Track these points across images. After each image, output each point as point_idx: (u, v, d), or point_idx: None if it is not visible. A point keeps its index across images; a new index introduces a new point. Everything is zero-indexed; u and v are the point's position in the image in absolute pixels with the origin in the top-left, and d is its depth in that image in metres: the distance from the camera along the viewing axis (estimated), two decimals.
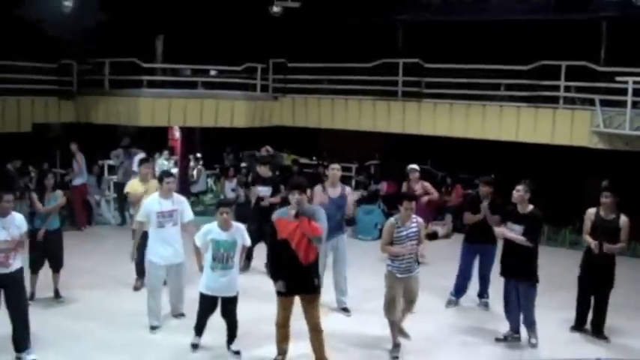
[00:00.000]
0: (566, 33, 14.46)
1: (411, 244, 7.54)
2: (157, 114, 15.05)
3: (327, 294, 8.55)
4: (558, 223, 13.96)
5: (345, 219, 9.28)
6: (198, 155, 17.07)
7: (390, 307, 7.64)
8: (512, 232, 7.97)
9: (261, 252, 9.67)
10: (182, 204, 8.29)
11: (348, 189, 9.22)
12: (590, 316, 8.52)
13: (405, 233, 7.54)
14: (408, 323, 8.04)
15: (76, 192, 13.62)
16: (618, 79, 12.34)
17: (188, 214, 8.33)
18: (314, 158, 18.84)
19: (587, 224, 8.38)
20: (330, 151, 19.19)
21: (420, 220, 7.79)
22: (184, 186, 15.89)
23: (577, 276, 8.56)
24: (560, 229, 13.94)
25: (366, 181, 16.97)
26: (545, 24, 14.85)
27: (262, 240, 10.53)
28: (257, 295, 8.58)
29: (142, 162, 10.07)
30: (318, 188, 8.99)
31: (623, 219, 8.21)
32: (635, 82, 11.93)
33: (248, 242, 7.56)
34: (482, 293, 9.54)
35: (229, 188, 14.46)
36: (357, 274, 9.50)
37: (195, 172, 16.22)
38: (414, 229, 7.60)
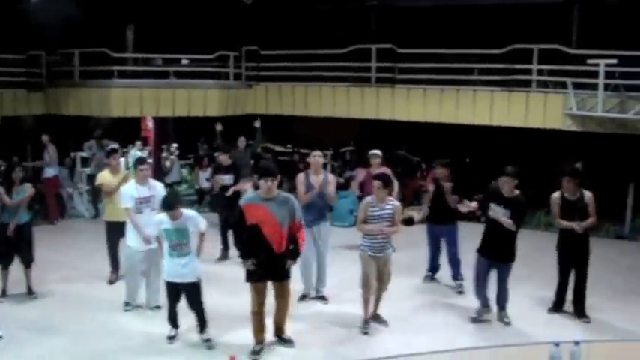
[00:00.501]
0: (539, 16, 14.50)
1: (383, 224, 7.70)
2: (128, 104, 14.88)
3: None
4: (533, 205, 14.01)
5: None
6: (174, 145, 16.89)
7: (364, 282, 7.88)
8: (494, 212, 8.06)
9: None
10: (159, 189, 8.50)
11: (330, 176, 9.18)
12: (571, 297, 8.61)
13: (378, 213, 7.75)
14: (384, 304, 8.16)
15: (48, 185, 13.46)
16: (590, 61, 12.39)
17: None
18: (288, 146, 18.77)
19: (555, 209, 8.51)
20: (305, 138, 19.14)
21: (397, 203, 7.96)
22: (158, 177, 15.71)
23: (556, 258, 8.65)
24: (535, 212, 14.02)
25: (342, 168, 16.94)
26: (517, 7, 14.84)
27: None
28: (231, 283, 8.62)
29: (109, 153, 10.03)
30: (300, 176, 8.97)
31: (588, 195, 8.38)
32: (606, 65, 12.00)
33: (203, 227, 7.51)
34: (456, 275, 9.70)
35: (204, 178, 14.42)
36: (333, 261, 9.50)
37: (168, 163, 16.03)
38: (389, 211, 7.78)
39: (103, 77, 15.26)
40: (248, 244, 7.04)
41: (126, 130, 17.53)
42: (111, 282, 9.54)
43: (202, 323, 7.52)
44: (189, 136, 18.23)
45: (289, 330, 7.58)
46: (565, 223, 8.38)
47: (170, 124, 18.41)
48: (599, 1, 14.17)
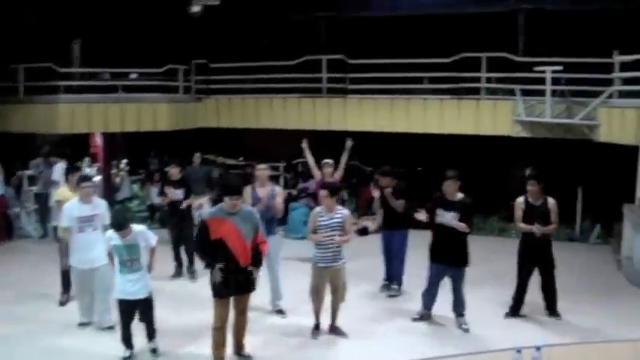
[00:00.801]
0: (486, 25, 14.72)
1: (332, 234, 7.70)
2: (76, 120, 14.51)
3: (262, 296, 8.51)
4: (486, 211, 14.20)
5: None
6: (123, 161, 16.58)
7: (313, 295, 7.96)
8: (443, 217, 8.19)
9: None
10: (102, 208, 8.33)
11: (277, 188, 9.16)
12: (530, 299, 8.76)
13: (326, 222, 7.76)
14: (342, 313, 8.14)
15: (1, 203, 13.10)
16: (536, 68, 12.61)
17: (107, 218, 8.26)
18: (241, 159, 18.62)
19: (519, 213, 8.64)
20: (258, 150, 19.01)
21: (346, 212, 7.98)
22: (108, 193, 15.42)
23: (517, 262, 8.74)
24: (488, 218, 14.18)
25: (295, 180, 16.89)
26: (464, 17, 15.08)
27: (184, 243, 10.41)
28: (185, 299, 8.78)
29: (69, 170, 9.63)
30: (247, 189, 8.87)
31: (551, 201, 8.57)
32: (552, 71, 12.23)
33: (153, 242, 7.44)
34: (394, 279, 9.81)
35: (155, 193, 14.15)
36: (286, 274, 9.42)
37: (118, 179, 15.73)
38: (338, 220, 7.79)
39: (49, 93, 14.87)
40: (213, 259, 6.92)
41: (74, 147, 17.21)
42: (61, 303, 9.21)
43: (151, 333, 7.50)
44: (139, 151, 17.96)
45: (246, 345, 7.46)
46: (525, 226, 8.51)
47: (119, 139, 18.12)
48: (543, 9, 14.44)
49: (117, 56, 15.56)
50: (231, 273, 6.90)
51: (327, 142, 16.36)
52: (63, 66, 15.14)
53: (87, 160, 16.58)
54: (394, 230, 9.70)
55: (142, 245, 7.30)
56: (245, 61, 15.55)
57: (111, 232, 7.30)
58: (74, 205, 8.20)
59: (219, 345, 7.12)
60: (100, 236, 8.04)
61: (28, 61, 14.95)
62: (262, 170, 8.95)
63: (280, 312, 8.92)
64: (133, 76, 16.64)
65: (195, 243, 7.40)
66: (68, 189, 9.28)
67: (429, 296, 8.57)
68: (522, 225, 8.58)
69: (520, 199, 8.69)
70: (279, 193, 9.02)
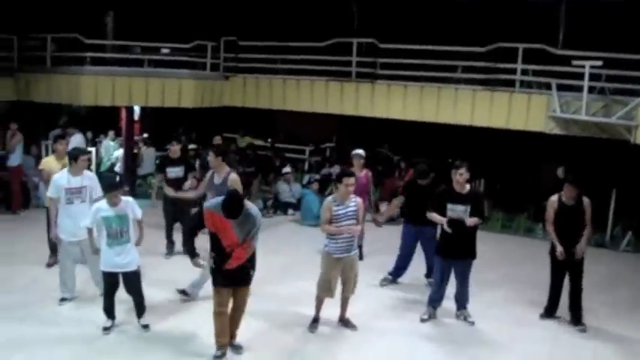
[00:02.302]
0: (525, 14, 14.03)
1: (348, 223, 7.37)
2: (100, 93, 14.31)
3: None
4: (513, 209, 13.68)
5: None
6: (144, 135, 16.42)
7: (324, 287, 7.59)
8: (454, 212, 7.83)
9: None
10: (92, 180, 8.25)
11: (233, 175, 8.51)
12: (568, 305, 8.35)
13: (342, 212, 7.41)
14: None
15: (12, 173, 13.01)
16: (575, 63, 11.96)
17: (97, 191, 8.17)
18: (269, 140, 18.34)
19: (551, 212, 8.23)
20: (288, 132, 18.76)
21: (359, 200, 7.63)
22: (131, 168, 15.29)
23: (549, 264, 8.38)
24: (515, 216, 13.65)
25: (321, 164, 16.55)
26: (503, 4, 14.37)
27: (180, 222, 10.29)
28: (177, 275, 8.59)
29: (56, 138, 9.70)
30: (208, 174, 8.67)
31: (586, 201, 8.17)
32: (591, 67, 11.58)
33: (139, 215, 7.39)
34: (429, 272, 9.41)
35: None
36: (297, 261, 9.16)
37: (142, 154, 15.57)
38: (353, 209, 7.46)
39: (76, 64, 14.72)
40: (211, 247, 6.68)
41: (104, 119, 17.16)
42: (49, 265, 9.43)
43: (141, 309, 7.47)
44: (168, 128, 17.79)
45: (241, 335, 7.16)
46: (558, 249, 8.12)
47: (147, 114, 18.00)
48: (586, 0, 13.69)
49: (147, 30, 15.36)
50: (224, 266, 6.61)
51: (357, 128, 16.09)
52: (96, 38, 14.99)
53: (111, 133, 16.50)
54: (424, 225, 9.00)
55: (131, 217, 7.28)
56: (275, 40, 15.20)
57: (100, 204, 7.27)
58: (63, 176, 8.11)
59: (219, 331, 6.85)
60: (88, 209, 7.90)
61: (61, 31, 14.87)
62: (210, 157, 8.62)
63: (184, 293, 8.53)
64: (165, 51, 16.40)
65: (189, 230, 7.11)
66: (54, 158, 9.32)
67: (439, 294, 8.23)
68: (555, 239, 8.16)
69: (554, 198, 8.25)
70: (233, 178, 8.45)
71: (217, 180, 8.52)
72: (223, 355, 6.84)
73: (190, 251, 7.10)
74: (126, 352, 7.04)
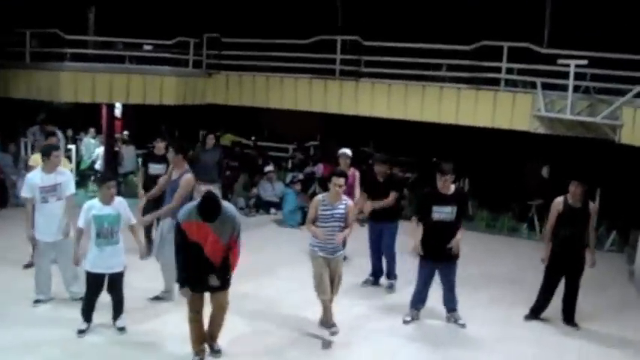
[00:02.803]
0: (510, 13, 13.93)
1: (333, 225, 7.18)
2: (80, 89, 14.06)
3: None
4: (497, 209, 13.60)
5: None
6: (125, 133, 16.19)
7: (319, 285, 7.30)
8: (440, 214, 7.70)
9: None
10: (65, 176, 8.03)
11: (187, 176, 8.18)
12: (560, 305, 8.25)
13: (330, 212, 7.22)
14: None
15: None
16: (560, 61, 11.87)
17: (70, 188, 8.04)
18: (252, 138, 18.15)
19: (553, 216, 8.07)
20: (272, 130, 18.60)
21: (350, 202, 7.44)
22: (111, 167, 15.05)
23: (545, 268, 8.22)
24: (500, 215, 13.57)
25: (304, 163, 16.38)
26: (489, 3, 14.27)
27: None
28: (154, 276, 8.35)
29: (47, 136, 9.61)
30: (169, 170, 8.50)
31: (592, 205, 8.05)
32: (577, 66, 11.50)
33: (132, 219, 7.30)
34: (390, 273, 9.42)
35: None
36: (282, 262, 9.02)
37: (122, 153, 15.34)
38: (341, 211, 7.25)
39: (55, 60, 14.47)
40: (188, 261, 6.39)
41: (85, 116, 16.90)
42: (26, 266, 9.16)
43: (119, 310, 7.33)
44: (151, 125, 17.57)
45: (221, 337, 6.96)
46: (544, 254, 8.13)
47: (129, 111, 17.77)
48: None
49: (128, 26, 15.12)
50: (204, 272, 6.42)
51: (342, 127, 15.92)
52: (77, 34, 14.74)
53: (92, 130, 16.27)
54: (384, 222, 9.20)
55: (123, 217, 7.14)
56: (258, 37, 15.03)
57: (92, 202, 7.11)
58: (36, 174, 7.93)
59: (194, 338, 6.67)
60: (62, 207, 7.87)
61: (42, 27, 14.61)
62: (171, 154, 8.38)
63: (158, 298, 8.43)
64: (148, 47, 16.16)
65: (175, 248, 6.63)
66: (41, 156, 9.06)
67: (422, 296, 8.12)
68: (546, 245, 8.12)
69: (559, 200, 8.07)
70: (185, 179, 8.13)
71: (174, 176, 8.25)
72: None
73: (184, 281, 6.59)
74: (101, 356, 6.84)
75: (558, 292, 8.21)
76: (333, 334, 7.31)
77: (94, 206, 7.03)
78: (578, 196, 7.91)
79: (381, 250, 9.33)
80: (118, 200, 7.16)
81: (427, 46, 13.47)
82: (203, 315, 6.65)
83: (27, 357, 6.71)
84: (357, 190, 10.15)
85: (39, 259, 8.08)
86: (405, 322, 8.05)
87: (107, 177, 7.24)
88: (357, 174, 10.43)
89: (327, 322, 7.38)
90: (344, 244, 7.52)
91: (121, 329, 7.30)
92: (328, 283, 7.32)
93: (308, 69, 14.73)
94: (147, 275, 8.37)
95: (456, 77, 13.42)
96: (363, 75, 14.22)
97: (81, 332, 7.17)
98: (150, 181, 10.14)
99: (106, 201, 7.04)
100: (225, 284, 6.58)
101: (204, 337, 6.75)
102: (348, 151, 10.47)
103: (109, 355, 6.88)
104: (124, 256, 7.23)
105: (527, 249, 11.49)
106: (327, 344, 7.29)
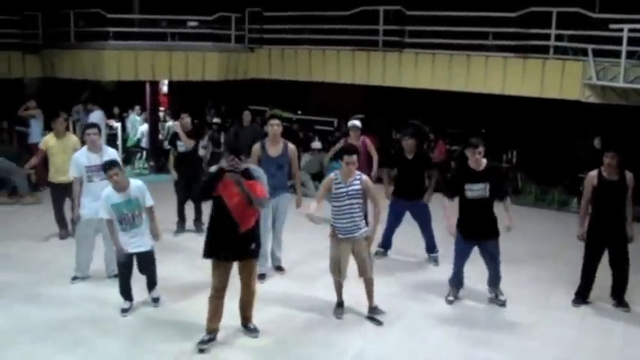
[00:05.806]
0: None
1: (350, 202, 6.99)
2: (123, 67, 14.20)
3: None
4: (547, 182, 13.14)
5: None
6: (165, 110, 16.24)
7: (333, 267, 7.19)
8: (474, 192, 7.37)
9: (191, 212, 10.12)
10: (112, 156, 7.92)
11: (291, 146, 8.38)
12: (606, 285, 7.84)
13: (344, 190, 7.03)
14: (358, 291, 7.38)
15: (33, 150, 12.95)
16: (612, 26, 11.28)
17: (148, 200, 7.86)
18: (299, 112, 17.96)
19: (588, 191, 7.64)
20: (320, 105, 18.36)
21: (365, 177, 7.18)
22: (155, 143, 15.13)
23: (584, 245, 7.80)
24: (549, 189, 13.11)
25: (345, 136, 16.09)
26: None
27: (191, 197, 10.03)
28: (190, 255, 8.46)
29: (53, 117, 9.77)
30: (256, 147, 8.32)
31: (629, 176, 7.55)
32: (630, 30, 10.91)
33: (150, 202, 7.21)
34: (433, 248, 9.30)
35: (200, 145, 13.69)
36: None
37: (165, 129, 15.40)
38: (356, 187, 7.04)
39: (99, 39, 14.55)
40: (211, 217, 6.46)
41: (128, 95, 17.01)
42: (61, 237, 9.62)
43: (152, 283, 7.47)
44: (198, 102, 17.59)
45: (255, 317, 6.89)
46: (579, 230, 7.85)
47: (175, 87, 17.81)
48: None
49: (172, 3, 15.07)
50: (229, 236, 6.32)
51: (387, 99, 15.59)
52: (123, 12, 14.79)
53: (137, 108, 16.37)
54: (416, 200, 9.01)
55: (142, 201, 7.11)
56: (299, 10, 14.80)
57: (107, 192, 7.06)
58: (82, 154, 8.06)
59: (211, 316, 6.57)
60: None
61: (84, 6, 14.71)
62: (274, 127, 8.27)
63: (279, 268, 8.59)
64: (193, 23, 16.09)
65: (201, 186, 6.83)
66: (53, 135, 9.44)
67: (460, 277, 7.86)
68: (581, 220, 7.77)
69: (593, 173, 7.62)
70: (292, 150, 8.34)
71: (272, 154, 8.31)
72: (211, 340, 6.54)
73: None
74: (130, 335, 6.83)
75: (606, 271, 7.81)
76: (338, 317, 7.27)
77: (110, 196, 7.01)
78: (614, 168, 7.45)
79: (398, 226, 9.27)
80: (134, 185, 7.10)
81: (472, 14, 13.00)
82: (225, 292, 6.53)
83: (57, 334, 6.74)
84: (375, 157, 10.09)
85: (80, 237, 8.16)
86: (449, 301, 7.80)
87: (108, 165, 7.00)
88: (369, 140, 10.27)
89: (337, 301, 7.38)
90: (366, 221, 7.33)
91: (155, 300, 7.47)
92: (344, 265, 7.14)
93: (351, 41, 14.46)
94: (183, 259, 8.43)
95: (502, 46, 12.94)
96: (407, 46, 13.86)
97: (124, 311, 7.25)
98: (179, 158, 10.19)
99: (118, 188, 6.99)
100: (253, 252, 6.53)
101: (221, 317, 6.61)
102: (357, 123, 10.32)
103: (138, 333, 6.86)
104: (149, 237, 7.27)
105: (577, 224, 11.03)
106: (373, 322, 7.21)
